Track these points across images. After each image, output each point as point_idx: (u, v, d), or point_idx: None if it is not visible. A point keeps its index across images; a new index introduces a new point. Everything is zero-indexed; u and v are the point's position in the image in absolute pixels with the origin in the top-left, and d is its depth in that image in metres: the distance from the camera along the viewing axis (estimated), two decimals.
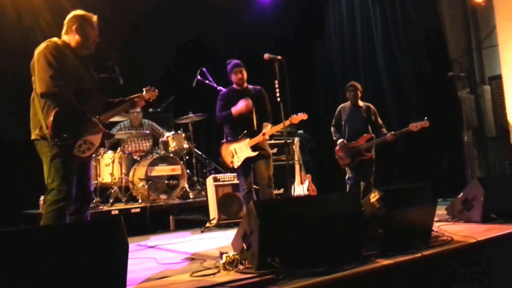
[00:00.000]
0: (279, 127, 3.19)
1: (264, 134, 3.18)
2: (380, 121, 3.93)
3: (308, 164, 5.19)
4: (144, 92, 2.55)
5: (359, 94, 3.89)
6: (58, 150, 2.07)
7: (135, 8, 4.97)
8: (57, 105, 2.07)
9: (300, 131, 5.77)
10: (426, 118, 3.58)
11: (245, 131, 3.23)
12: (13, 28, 4.22)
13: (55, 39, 2.20)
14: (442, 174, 5.06)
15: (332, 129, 3.95)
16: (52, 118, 2.04)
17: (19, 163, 3.96)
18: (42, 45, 2.13)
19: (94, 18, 2.29)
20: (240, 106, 3.16)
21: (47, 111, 2.08)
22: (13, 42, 4.15)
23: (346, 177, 3.87)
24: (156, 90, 2.59)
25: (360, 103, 3.91)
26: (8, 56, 3.98)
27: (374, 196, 2.11)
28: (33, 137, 2.15)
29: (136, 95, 2.50)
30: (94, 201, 3.98)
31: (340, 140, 3.80)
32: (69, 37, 2.23)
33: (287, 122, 3.15)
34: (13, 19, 4.24)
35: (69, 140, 2.07)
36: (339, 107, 3.98)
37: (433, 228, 2.40)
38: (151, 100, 2.61)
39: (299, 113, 3.27)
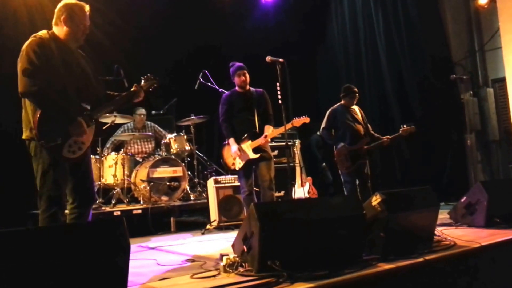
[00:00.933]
0: (281, 130, 3.19)
1: (266, 136, 3.17)
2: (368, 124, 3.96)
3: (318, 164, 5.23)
4: (142, 82, 2.31)
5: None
6: (48, 152, 1.96)
7: (139, 12, 5.00)
8: (37, 104, 1.96)
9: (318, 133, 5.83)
10: (412, 125, 3.70)
11: (246, 134, 3.23)
12: (26, 33, 4.26)
13: (42, 32, 2.07)
14: (445, 178, 5.03)
15: (325, 132, 3.84)
16: (37, 118, 1.94)
17: (27, 164, 3.97)
18: (27, 42, 2.01)
19: (86, 7, 2.14)
20: (233, 150, 3.19)
21: (34, 111, 1.96)
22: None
23: (343, 180, 3.80)
24: (157, 79, 2.33)
25: (352, 106, 3.89)
26: None
27: (375, 199, 2.09)
28: (24, 136, 2.05)
29: (133, 88, 2.27)
30: (97, 201, 4.00)
31: (341, 144, 3.74)
32: (58, 29, 2.10)
33: (288, 125, 3.15)
34: (26, 24, 4.28)
35: (56, 141, 1.95)
36: (331, 110, 3.85)
37: (436, 232, 2.38)
38: (151, 90, 2.34)
39: (302, 116, 3.26)
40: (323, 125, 3.87)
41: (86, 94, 2.13)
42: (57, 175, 1.98)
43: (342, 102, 3.86)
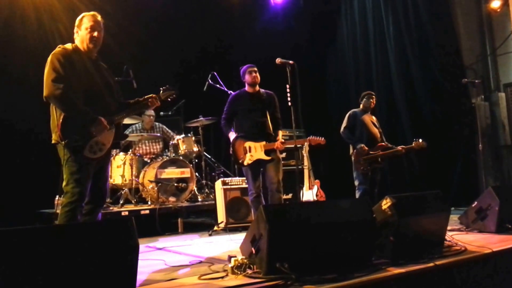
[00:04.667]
0: (296, 142, 3.25)
1: (282, 143, 3.20)
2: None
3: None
4: (160, 92, 2.50)
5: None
6: (71, 153, 2.12)
7: (148, 14, 5.05)
8: (59, 107, 2.13)
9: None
10: (420, 139, 3.82)
11: (259, 135, 3.23)
12: (34, 31, 4.35)
13: (67, 45, 2.28)
14: (456, 183, 4.96)
15: (346, 131, 3.95)
16: (61, 121, 2.12)
17: (36, 164, 4.04)
18: (53, 51, 2.23)
19: (97, 16, 2.30)
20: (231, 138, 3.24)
21: (59, 115, 2.14)
22: (34, 45, 4.27)
23: (356, 183, 3.84)
24: (174, 90, 2.53)
25: (370, 111, 4.04)
26: (30, 59, 4.08)
27: (386, 203, 2.08)
28: (52, 141, 2.22)
29: (151, 95, 2.47)
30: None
31: (361, 145, 3.80)
32: (76, 40, 2.33)
33: (303, 141, 3.19)
34: (34, 23, 4.37)
35: (79, 142, 2.11)
36: (351, 111, 4.02)
37: (446, 237, 2.35)
38: (169, 100, 2.54)
39: (319, 137, 3.32)
40: (344, 124, 3.99)
41: (107, 100, 2.29)
42: (81, 174, 2.13)
43: (361, 106, 4.04)
